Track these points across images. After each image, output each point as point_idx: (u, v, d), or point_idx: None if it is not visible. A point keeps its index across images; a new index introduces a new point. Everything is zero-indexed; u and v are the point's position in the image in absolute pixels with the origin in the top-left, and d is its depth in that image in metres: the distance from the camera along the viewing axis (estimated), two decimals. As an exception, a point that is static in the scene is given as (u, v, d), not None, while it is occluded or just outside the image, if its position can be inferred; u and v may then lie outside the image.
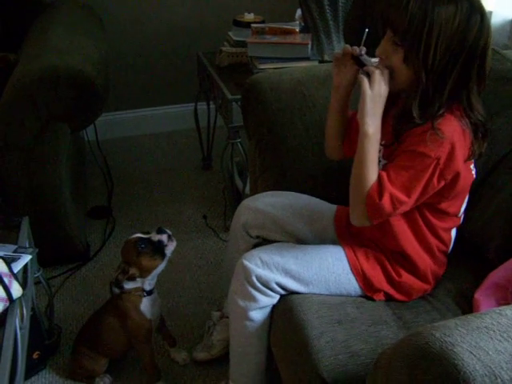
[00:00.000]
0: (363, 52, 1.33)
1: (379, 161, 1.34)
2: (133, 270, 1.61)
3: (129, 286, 1.64)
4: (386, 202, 1.24)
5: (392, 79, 1.28)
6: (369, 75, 1.26)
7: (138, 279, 1.64)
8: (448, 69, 1.22)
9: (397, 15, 1.22)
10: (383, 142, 1.35)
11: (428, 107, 1.26)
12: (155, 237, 1.62)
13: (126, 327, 1.68)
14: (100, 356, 1.76)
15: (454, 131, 1.25)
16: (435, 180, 1.26)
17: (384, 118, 1.30)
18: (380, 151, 1.34)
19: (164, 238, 1.62)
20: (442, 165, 1.24)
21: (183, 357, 1.86)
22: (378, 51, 1.31)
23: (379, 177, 1.26)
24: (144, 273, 1.63)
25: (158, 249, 1.61)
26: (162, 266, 1.65)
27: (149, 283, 1.67)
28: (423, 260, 1.43)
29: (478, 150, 1.31)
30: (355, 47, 1.34)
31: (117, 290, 1.65)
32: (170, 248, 1.64)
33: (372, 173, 1.27)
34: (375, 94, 1.25)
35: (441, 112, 1.26)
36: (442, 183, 1.28)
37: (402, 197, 1.25)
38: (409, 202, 1.27)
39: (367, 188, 1.26)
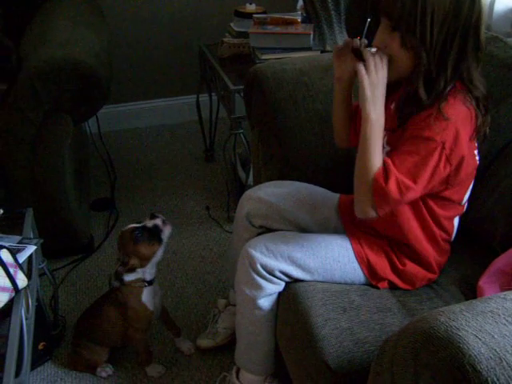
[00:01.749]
0: (363, 45, 1.31)
1: (383, 147, 1.32)
2: (132, 261, 1.61)
3: (129, 277, 1.65)
4: (392, 186, 1.22)
5: (393, 67, 1.28)
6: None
7: (138, 270, 1.64)
8: (447, 44, 1.23)
9: (389, 1, 1.24)
10: (387, 127, 1.34)
11: (434, 86, 1.26)
12: (149, 223, 1.62)
13: (127, 318, 1.69)
14: (99, 346, 1.77)
15: (458, 115, 1.25)
16: (442, 166, 1.25)
17: (387, 104, 1.29)
18: (384, 137, 1.33)
19: (158, 222, 1.62)
20: (447, 149, 1.23)
21: (188, 346, 1.87)
22: (376, 42, 1.31)
23: (384, 162, 1.25)
24: (143, 261, 1.63)
25: (154, 234, 1.61)
26: (160, 253, 1.65)
27: (149, 273, 1.67)
28: (426, 249, 1.43)
29: (482, 127, 1.31)
30: (355, 39, 1.34)
31: (117, 283, 1.65)
32: (166, 232, 1.64)
33: (377, 159, 1.25)
34: (373, 79, 1.25)
35: (448, 89, 1.25)
36: (448, 169, 1.27)
37: (409, 182, 1.23)
38: (416, 189, 1.25)
39: (372, 174, 1.24)
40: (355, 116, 1.49)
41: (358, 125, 1.47)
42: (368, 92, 1.25)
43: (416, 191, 1.26)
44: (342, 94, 1.46)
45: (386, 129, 1.32)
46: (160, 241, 1.63)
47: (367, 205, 1.27)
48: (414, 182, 1.24)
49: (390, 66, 1.28)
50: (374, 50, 1.29)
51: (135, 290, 1.67)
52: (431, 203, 1.38)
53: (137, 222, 1.65)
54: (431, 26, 1.21)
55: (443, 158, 1.24)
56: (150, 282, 1.68)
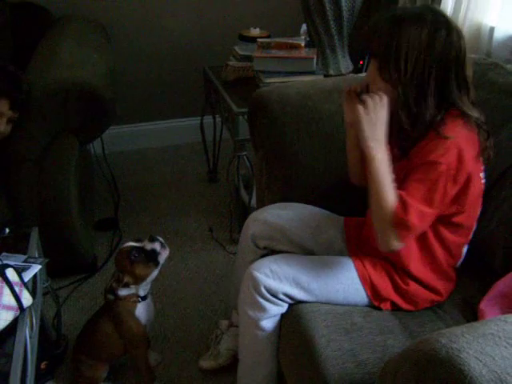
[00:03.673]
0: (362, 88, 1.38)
1: None
2: (127, 278, 1.64)
3: (124, 292, 1.67)
4: (413, 216, 1.25)
5: None
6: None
7: (132, 286, 1.66)
8: (424, 79, 1.28)
9: (372, 40, 1.33)
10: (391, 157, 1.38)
11: (417, 118, 1.31)
12: (148, 245, 1.64)
13: (121, 332, 1.70)
14: (99, 363, 1.78)
15: (458, 134, 1.29)
16: (449, 186, 1.28)
17: (390, 135, 1.34)
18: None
19: (157, 246, 1.65)
20: (453, 170, 1.27)
21: (155, 357, 1.90)
22: (366, 77, 1.39)
23: (399, 196, 1.27)
24: (138, 280, 1.65)
25: (152, 257, 1.64)
26: (155, 273, 1.68)
27: (143, 289, 1.69)
28: (428, 277, 1.44)
29: (486, 149, 1.35)
30: (357, 85, 1.39)
31: (111, 297, 1.68)
32: (163, 256, 1.66)
33: (390, 194, 1.28)
34: (371, 118, 1.29)
35: (438, 119, 1.30)
36: (456, 188, 1.30)
37: (426, 209, 1.27)
38: (433, 212, 1.29)
39: (390, 210, 1.26)
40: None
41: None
42: (367, 130, 1.30)
43: (433, 214, 1.30)
44: (355, 138, 1.47)
45: (391, 160, 1.35)
46: (157, 263, 1.66)
47: (391, 239, 1.29)
48: (430, 206, 1.27)
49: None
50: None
51: (129, 304, 1.69)
52: (443, 230, 1.40)
53: (136, 240, 1.67)
54: (405, 61, 1.27)
55: (450, 178, 1.27)
56: (144, 298, 1.71)
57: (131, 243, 1.66)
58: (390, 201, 1.27)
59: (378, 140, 1.29)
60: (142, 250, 1.64)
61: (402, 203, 1.26)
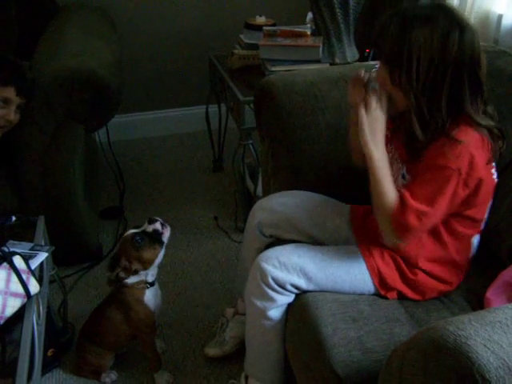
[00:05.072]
0: (367, 77, 1.37)
1: (403, 176, 1.38)
2: (135, 266, 1.63)
3: (132, 280, 1.67)
4: (410, 217, 1.26)
5: (392, 103, 1.33)
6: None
7: (141, 272, 1.66)
8: (437, 85, 1.26)
9: (382, 41, 1.31)
10: (402, 159, 1.41)
11: (429, 125, 1.29)
12: (149, 227, 1.64)
13: (130, 320, 1.71)
14: (105, 351, 1.79)
15: (470, 141, 1.27)
16: (460, 190, 1.28)
17: (398, 136, 1.37)
18: (401, 169, 1.40)
19: (158, 226, 1.65)
20: (464, 174, 1.26)
21: (160, 345, 1.90)
22: (376, 77, 1.36)
23: (402, 196, 1.29)
24: (146, 265, 1.65)
25: (155, 238, 1.64)
26: (161, 255, 1.67)
27: (151, 274, 1.70)
28: (437, 269, 1.44)
29: (497, 151, 1.34)
30: (365, 74, 1.38)
31: (118, 285, 1.68)
32: (166, 234, 1.67)
33: (390, 193, 1.30)
34: (371, 119, 1.30)
35: (447, 126, 1.28)
36: (467, 191, 1.30)
37: (425, 208, 1.27)
38: (433, 213, 1.28)
39: (390, 206, 1.29)
40: None
41: None
42: (367, 131, 1.30)
43: (434, 215, 1.29)
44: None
45: (402, 160, 1.38)
46: (161, 243, 1.66)
47: (391, 235, 1.32)
48: (431, 206, 1.27)
49: (390, 102, 1.33)
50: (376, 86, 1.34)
51: (137, 291, 1.69)
52: (454, 223, 1.40)
53: (135, 227, 1.67)
54: (417, 67, 1.24)
55: (460, 182, 1.27)
56: (152, 283, 1.71)
57: (132, 230, 1.66)
58: (390, 199, 1.29)
59: (376, 140, 1.31)
60: (144, 233, 1.64)
61: (402, 203, 1.28)
